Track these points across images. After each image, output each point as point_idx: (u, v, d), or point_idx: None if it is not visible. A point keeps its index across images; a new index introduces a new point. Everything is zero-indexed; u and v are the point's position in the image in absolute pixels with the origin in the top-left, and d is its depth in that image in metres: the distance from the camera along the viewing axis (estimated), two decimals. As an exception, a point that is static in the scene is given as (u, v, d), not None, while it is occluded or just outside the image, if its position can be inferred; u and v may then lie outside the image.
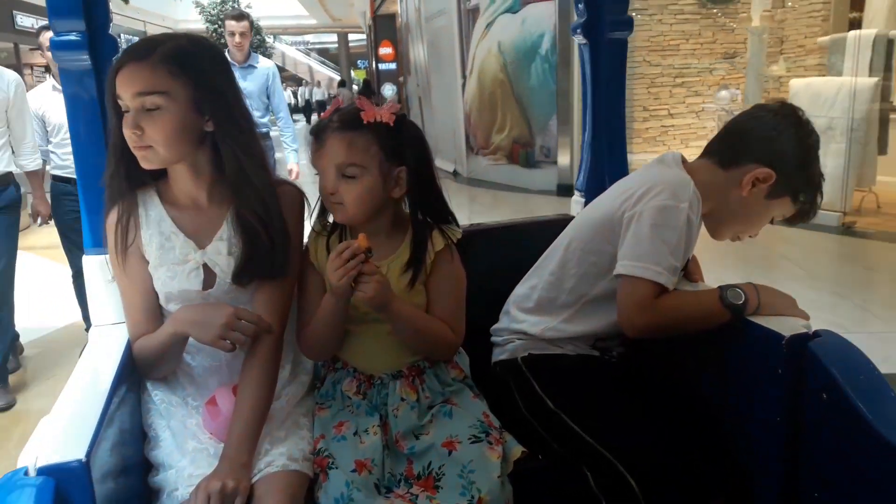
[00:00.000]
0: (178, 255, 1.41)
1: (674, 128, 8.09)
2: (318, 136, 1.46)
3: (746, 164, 1.49)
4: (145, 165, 1.34)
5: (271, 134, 4.50)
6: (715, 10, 7.30)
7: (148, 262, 1.40)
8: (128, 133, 1.27)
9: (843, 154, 5.17)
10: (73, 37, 1.46)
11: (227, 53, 4.37)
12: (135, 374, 1.43)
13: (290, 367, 1.54)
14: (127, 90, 1.26)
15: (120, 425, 1.26)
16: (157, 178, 1.41)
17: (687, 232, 1.52)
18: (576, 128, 8.00)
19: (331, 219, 1.51)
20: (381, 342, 1.51)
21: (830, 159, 5.10)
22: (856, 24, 7.10)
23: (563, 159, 8.07)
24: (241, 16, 4.47)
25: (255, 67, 4.37)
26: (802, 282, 4.38)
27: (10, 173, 3.28)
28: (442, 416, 1.42)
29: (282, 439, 1.39)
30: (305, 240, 1.51)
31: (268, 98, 4.32)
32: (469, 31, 9.62)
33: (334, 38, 38.87)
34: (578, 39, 2.02)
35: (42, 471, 0.97)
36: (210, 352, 1.45)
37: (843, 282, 4.48)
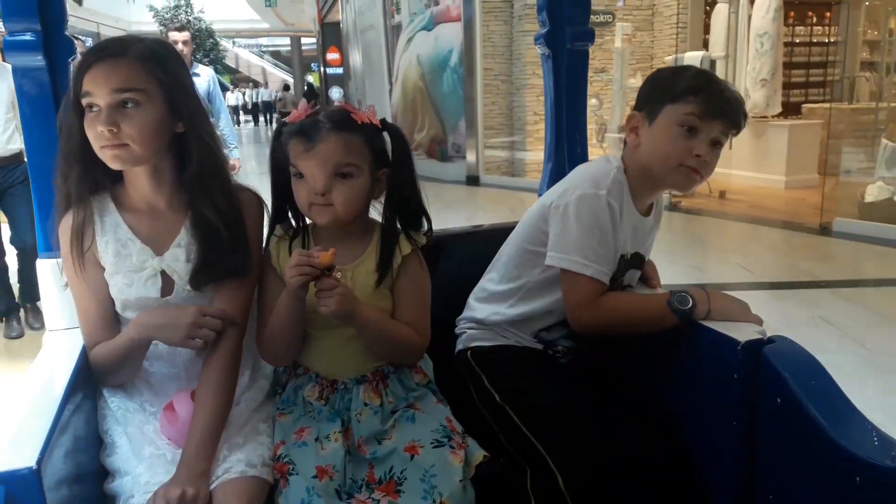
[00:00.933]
0: (135, 262, 1.41)
1: None
2: (308, 135, 1.47)
3: (629, 124, 1.68)
4: (116, 165, 1.35)
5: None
6: (605, 28, 8.79)
7: (104, 269, 1.41)
8: (100, 130, 1.28)
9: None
10: (27, 37, 1.43)
11: None
12: (90, 380, 1.44)
13: (249, 372, 1.56)
14: (102, 86, 1.27)
15: (74, 431, 1.27)
16: (113, 184, 1.41)
17: (611, 216, 1.56)
18: (480, 128, 9.74)
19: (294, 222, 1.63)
20: (344, 347, 1.55)
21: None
22: (707, 46, 8.46)
23: (471, 156, 9.88)
24: (182, 28, 5.16)
25: (198, 75, 4.91)
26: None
27: (22, 151, 3.97)
28: (405, 421, 1.45)
29: (240, 445, 1.40)
30: (264, 245, 1.57)
31: (209, 102, 4.92)
32: (394, 44, 11.22)
33: (287, 41, 39.44)
34: (541, 49, 2.00)
35: None
36: (168, 358, 1.47)
37: (675, 250, 5.61)
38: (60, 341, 1.49)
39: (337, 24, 20.12)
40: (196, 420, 1.39)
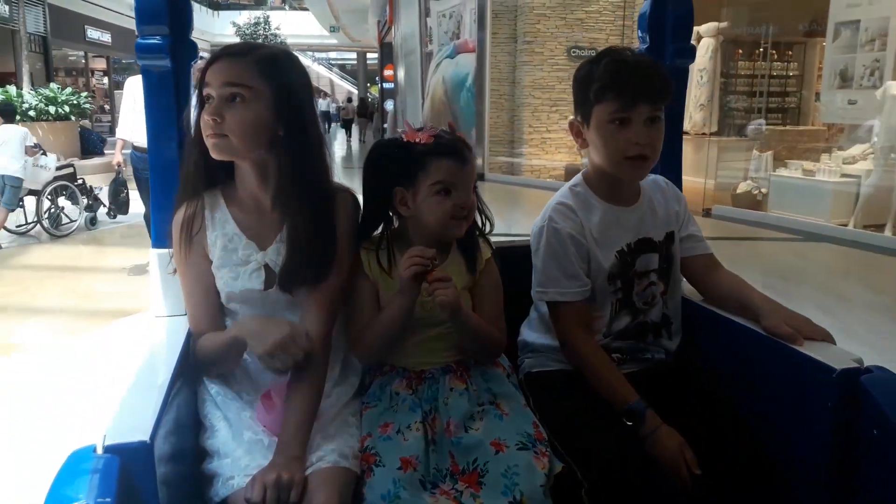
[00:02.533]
0: (241, 257, 1.43)
1: (549, 140, 11.32)
2: (462, 156, 1.47)
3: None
4: (214, 154, 1.38)
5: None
6: (577, 62, 11.73)
7: (211, 262, 1.44)
8: (206, 119, 1.33)
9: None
10: (156, 40, 1.53)
11: None
12: (192, 366, 1.45)
13: (339, 367, 1.55)
14: (216, 79, 1.33)
15: (178, 412, 1.29)
16: (225, 181, 1.46)
17: (561, 240, 1.53)
18: (486, 137, 11.70)
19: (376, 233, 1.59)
20: (430, 343, 1.53)
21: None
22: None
23: (479, 158, 11.92)
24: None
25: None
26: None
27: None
28: (493, 417, 1.43)
29: (332, 436, 1.39)
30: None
31: None
32: (426, 67, 14.01)
33: (354, 55, 38.13)
34: None
35: (109, 449, 1.02)
36: None
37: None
38: (167, 327, 1.55)
39: (391, 44, 22.39)
40: (290, 409, 1.37)
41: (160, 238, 1.63)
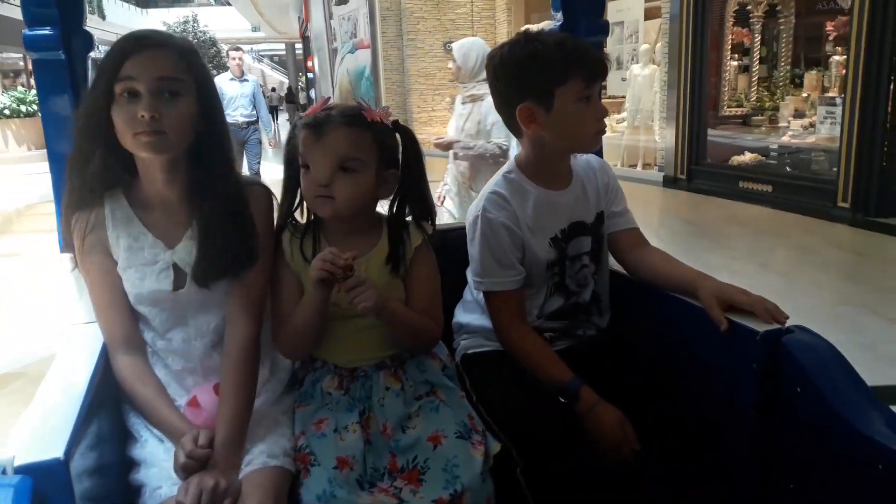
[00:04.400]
0: (147, 256, 1.26)
1: (435, 117, 13.15)
2: (316, 128, 1.30)
3: (515, 121, 1.41)
4: (148, 152, 1.19)
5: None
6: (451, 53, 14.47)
7: (116, 263, 1.27)
8: (141, 115, 1.15)
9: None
10: (46, 31, 1.43)
11: (229, 70, 7.10)
12: (111, 373, 1.27)
13: (269, 363, 1.38)
14: (148, 73, 1.16)
15: (98, 424, 1.16)
16: (126, 179, 1.28)
17: (495, 230, 1.42)
18: None
19: (302, 219, 1.40)
20: (361, 336, 1.36)
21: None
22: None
23: None
24: (238, 48, 7.33)
25: (247, 80, 6.97)
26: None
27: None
28: (429, 411, 1.31)
29: (261, 437, 1.26)
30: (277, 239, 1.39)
31: (255, 100, 6.93)
32: (333, 61, 16.35)
33: (283, 46, 36.73)
34: None
35: (20, 469, 0.93)
36: (183, 353, 1.30)
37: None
38: (82, 335, 1.34)
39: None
40: (223, 413, 1.22)
41: (66, 244, 1.39)
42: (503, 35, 13.07)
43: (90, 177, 1.26)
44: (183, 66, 1.22)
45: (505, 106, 1.44)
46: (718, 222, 6.60)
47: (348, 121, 1.33)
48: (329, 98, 1.44)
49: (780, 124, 8.45)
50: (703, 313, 1.31)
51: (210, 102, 1.27)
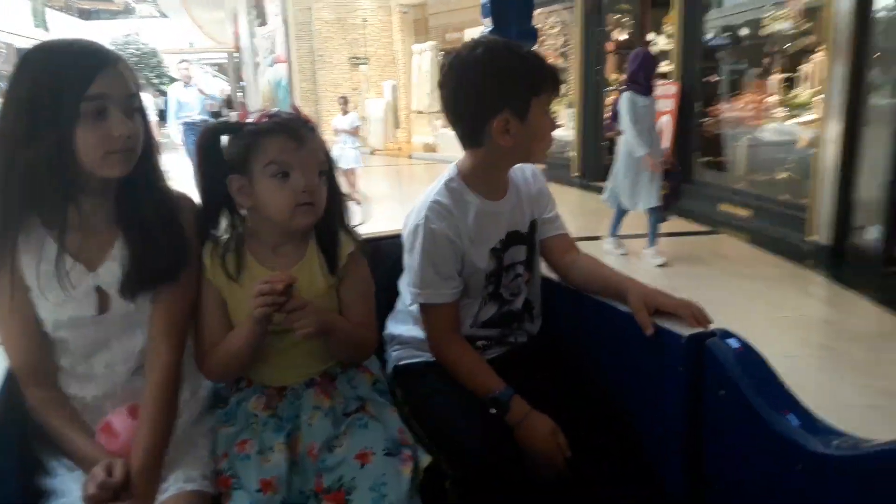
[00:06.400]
0: (67, 281, 1.11)
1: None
2: (296, 133, 1.17)
3: (483, 131, 1.30)
4: (117, 171, 1.08)
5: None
6: (358, 69, 14.48)
7: (28, 289, 1.11)
8: (118, 135, 1.05)
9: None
10: None
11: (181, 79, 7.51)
12: (17, 402, 1.12)
13: (189, 384, 1.23)
14: (122, 89, 1.06)
15: (3, 454, 1.10)
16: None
17: (437, 241, 1.30)
18: None
19: (225, 235, 1.24)
20: (290, 353, 1.21)
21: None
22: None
23: None
24: (186, 60, 8.36)
25: (194, 86, 7.88)
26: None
27: None
28: (357, 428, 1.18)
29: (178, 460, 1.13)
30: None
31: (204, 99, 7.62)
32: (257, 72, 17.80)
33: (225, 55, 45.96)
34: None
35: None
36: (102, 378, 1.15)
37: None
38: None
39: (242, 51, 23.08)
40: (141, 440, 1.07)
41: None
42: (399, 50, 14.40)
43: (54, 193, 1.06)
44: (134, 81, 1.08)
45: (477, 114, 1.25)
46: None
47: (312, 127, 1.18)
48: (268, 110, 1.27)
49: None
50: (631, 318, 1.21)
51: (146, 115, 1.12)
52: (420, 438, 1.22)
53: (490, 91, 1.25)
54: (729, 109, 6.30)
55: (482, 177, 1.36)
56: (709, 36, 6.24)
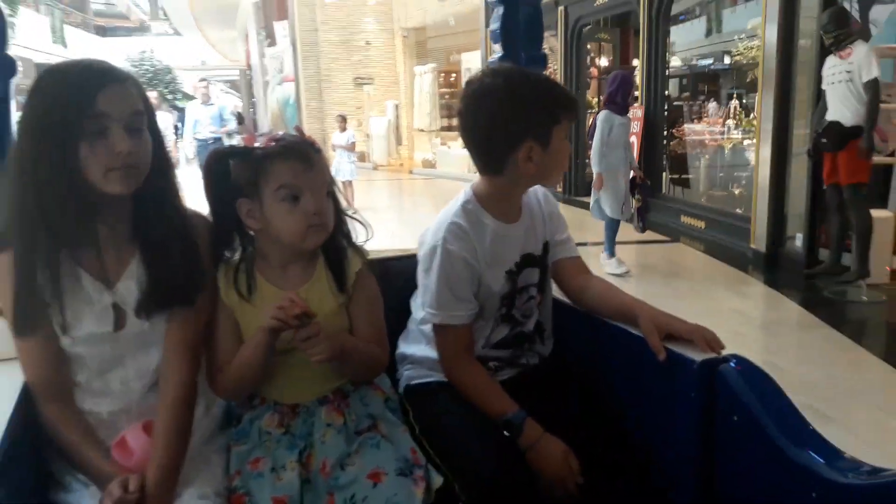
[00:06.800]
0: (84, 297, 1.11)
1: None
2: (305, 156, 1.16)
3: (506, 160, 1.29)
4: (121, 188, 1.07)
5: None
6: (362, 89, 14.79)
7: (46, 305, 1.10)
8: (118, 150, 1.04)
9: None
10: None
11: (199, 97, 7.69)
12: (32, 417, 1.11)
13: (204, 402, 1.21)
14: (124, 107, 1.06)
15: (18, 468, 1.06)
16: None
17: (455, 263, 1.29)
18: None
19: (236, 255, 1.25)
20: (304, 370, 1.19)
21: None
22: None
23: None
24: (204, 79, 8.55)
25: (212, 104, 8.01)
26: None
27: None
28: (370, 447, 1.17)
29: (192, 478, 1.13)
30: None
31: (224, 119, 7.83)
32: (266, 91, 18.23)
33: (237, 71, 47.01)
34: None
35: None
36: (119, 394, 1.14)
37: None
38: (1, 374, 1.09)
39: (256, 69, 23.11)
40: (156, 457, 1.07)
41: None
42: (402, 71, 14.67)
43: (67, 216, 1.04)
44: (142, 98, 1.07)
45: (501, 144, 1.23)
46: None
47: (313, 149, 1.18)
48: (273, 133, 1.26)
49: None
50: (643, 342, 1.19)
51: (159, 133, 1.10)
52: (431, 459, 1.19)
53: (515, 121, 1.24)
54: (692, 132, 6.98)
55: (499, 200, 1.34)
56: (673, 65, 6.59)
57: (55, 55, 17.27)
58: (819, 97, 4.10)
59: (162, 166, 1.13)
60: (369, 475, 1.13)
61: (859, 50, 3.87)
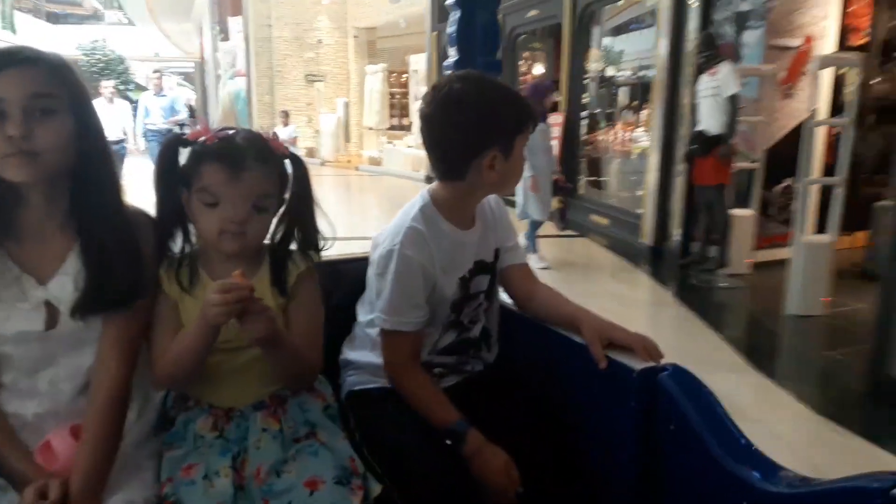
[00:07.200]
0: (14, 293, 1.02)
1: (297, 133, 14.49)
2: (232, 162, 1.03)
3: (468, 166, 1.23)
4: (18, 176, 0.96)
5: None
6: (313, 86, 15.05)
7: None
8: (10, 135, 0.95)
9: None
10: None
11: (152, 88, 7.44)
12: None
13: (137, 406, 1.11)
14: (18, 90, 0.96)
15: None
16: None
17: (412, 270, 1.23)
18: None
19: (176, 248, 1.15)
20: (240, 373, 1.11)
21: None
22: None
23: None
24: (158, 70, 8.57)
25: (164, 95, 7.92)
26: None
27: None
28: (307, 454, 1.09)
29: (121, 484, 1.03)
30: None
31: (176, 110, 7.76)
32: (218, 84, 17.74)
33: (193, 64, 46.14)
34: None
35: None
36: (46, 396, 1.05)
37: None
38: None
39: (212, 61, 21.30)
40: (81, 461, 0.96)
41: None
42: (352, 70, 14.77)
43: None
44: (56, 81, 0.96)
45: (465, 150, 1.16)
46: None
47: (262, 157, 1.06)
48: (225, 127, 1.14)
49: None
50: (586, 350, 1.15)
51: (87, 118, 0.98)
52: (371, 466, 1.12)
53: (482, 128, 1.17)
54: (605, 138, 7.04)
55: (456, 207, 1.26)
56: (590, 75, 7.03)
57: (3, 41, 17.00)
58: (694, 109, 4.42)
59: (95, 156, 1.03)
60: (306, 483, 1.07)
61: (724, 69, 4.34)
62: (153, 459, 1.11)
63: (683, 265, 5.10)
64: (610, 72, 7.17)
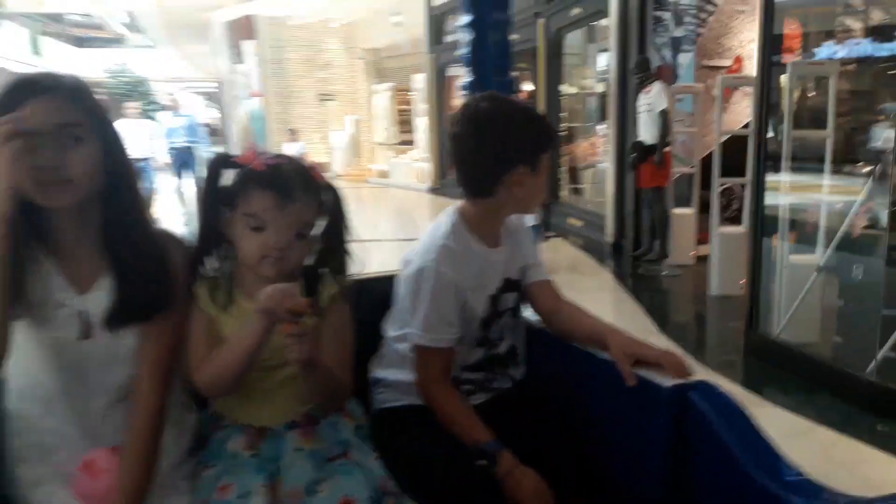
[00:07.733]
0: (56, 300, 1.09)
1: (310, 148, 15.87)
2: (282, 191, 1.08)
3: (497, 182, 1.26)
4: (56, 203, 1.02)
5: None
6: (325, 104, 15.94)
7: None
8: (45, 162, 1.00)
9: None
10: None
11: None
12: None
13: (173, 430, 1.16)
14: (44, 121, 1.02)
15: None
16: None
17: (445, 287, 1.25)
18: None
19: (211, 265, 1.22)
20: (274, 392, 1.15)
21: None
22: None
23: None
24: (170, 93, 9.08)
25: (182, 115, 8.30)
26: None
27: None
28: (341, 474, 1.13)
29: None
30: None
31: (190, 128, 8.13)
32: (236, 104, 18.56)
33: (217, 83, 45.45)
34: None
35: None
36: (78, 413, 1.12)
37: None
38: None
39: (231, 82, 21.82)
40: (122, 482, 1.02)
41: None
42: (363, 89, 15.64)
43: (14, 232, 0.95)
44: (78, 107, 1.00)
45: (495, 166, 1.20)
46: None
47: (306, 187, 1.10)
48: (273, 153, 1.19)
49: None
50: (613, 367, 1.16)
51: (112, 141, 1.03)
52: (403, 486, 1.11)
53: (510, 144, 1.20)
54: (582, 149, 7.89)
55: (484, 224, 1.28)
56: (569, 91, 7.73)
57: (31, 66, 17.27)
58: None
59: (121, 175, 1.03)
60: (340, 502, 1.05)
61: (656, 88, 4.95)
62: (188, 480, 1.11)
63: (635, 258, 5.89)
64: (575, 89, 7.79)
